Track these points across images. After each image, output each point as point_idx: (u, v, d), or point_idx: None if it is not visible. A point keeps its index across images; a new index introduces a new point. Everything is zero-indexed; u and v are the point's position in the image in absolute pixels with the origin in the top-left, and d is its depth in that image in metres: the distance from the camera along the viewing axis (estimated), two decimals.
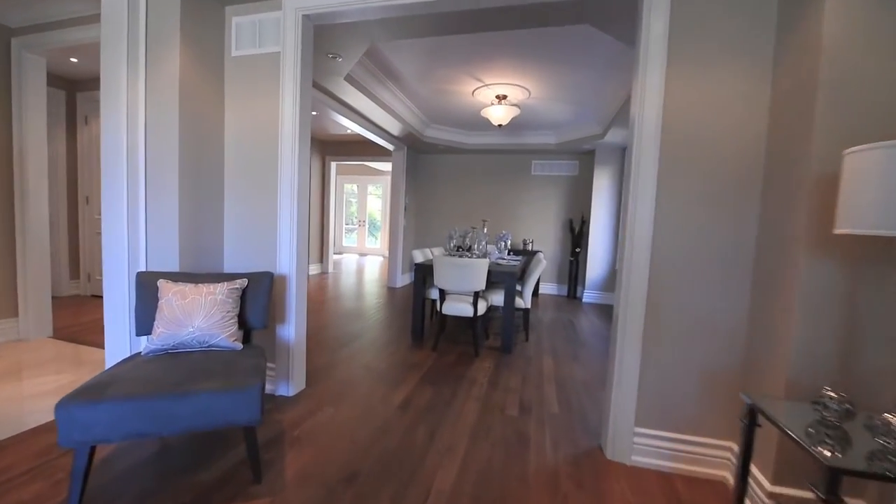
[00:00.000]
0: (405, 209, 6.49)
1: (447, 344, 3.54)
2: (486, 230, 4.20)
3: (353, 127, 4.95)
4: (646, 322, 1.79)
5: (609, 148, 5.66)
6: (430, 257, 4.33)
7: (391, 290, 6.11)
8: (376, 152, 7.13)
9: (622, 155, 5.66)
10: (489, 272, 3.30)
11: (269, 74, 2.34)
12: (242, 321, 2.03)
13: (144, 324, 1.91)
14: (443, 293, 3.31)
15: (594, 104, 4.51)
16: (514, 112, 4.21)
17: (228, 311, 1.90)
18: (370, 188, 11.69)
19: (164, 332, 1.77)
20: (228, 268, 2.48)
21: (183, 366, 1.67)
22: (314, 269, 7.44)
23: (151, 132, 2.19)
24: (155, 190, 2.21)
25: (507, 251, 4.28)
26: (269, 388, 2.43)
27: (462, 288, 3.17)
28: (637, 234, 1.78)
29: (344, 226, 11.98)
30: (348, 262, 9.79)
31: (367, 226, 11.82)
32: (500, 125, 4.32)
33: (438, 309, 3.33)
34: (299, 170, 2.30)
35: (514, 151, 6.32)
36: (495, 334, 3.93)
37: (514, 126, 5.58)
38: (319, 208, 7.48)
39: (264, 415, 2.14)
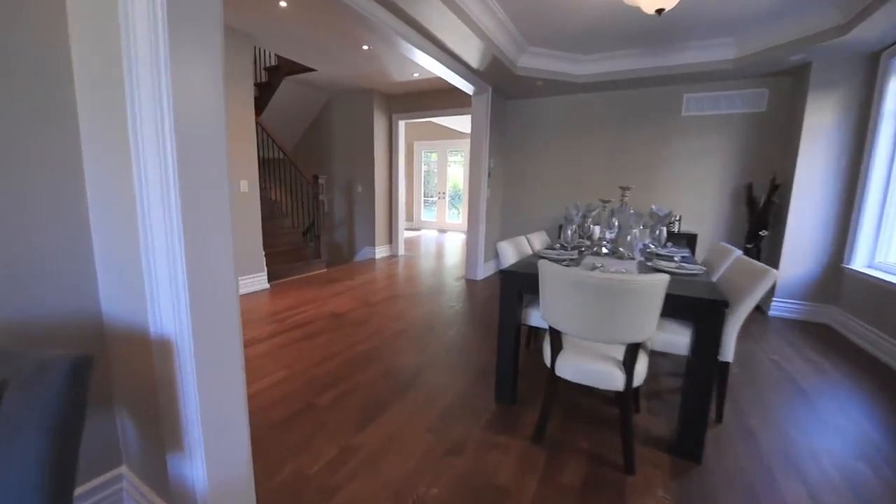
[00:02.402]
0: (488, 175, 4.83)
1: (562, 426, 1.92)
2: (629, 206, 2.38)
3: (418, 59, 3.39)
4: None
5: (846, 57, 3.25)
6: (528, 252, 2.67)
7: (470, 285, 4.62)
8: (452, 103, 5.51)
9: (873, 67, 3.20)
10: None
11: None
12: None
13: None
14: (557, 335, 1.67)
15: None
16: None
17: None
18: (450, 157, 10.15)
19: None
20: (109, 310, 1.17)
21: None
22: (381, 252, 6.27)
23: None
24: None
25: (664, 242, 2.41)
26: None
27: (604, 334, 1.49)
28: None
29: (423, 198, 10.74)
30: (426, 240, 8.53)
31: (447, 198, 10.40)
32: (659, 11, 2.37)
33: (548, 364, 1.70)
34: (172, 80, 0.82)
35: (654, 81, 4.17)
36: (653, 397, 2.19)
37: (662, 34, 3.48)
38: (386, 178, 6.20)
39: None
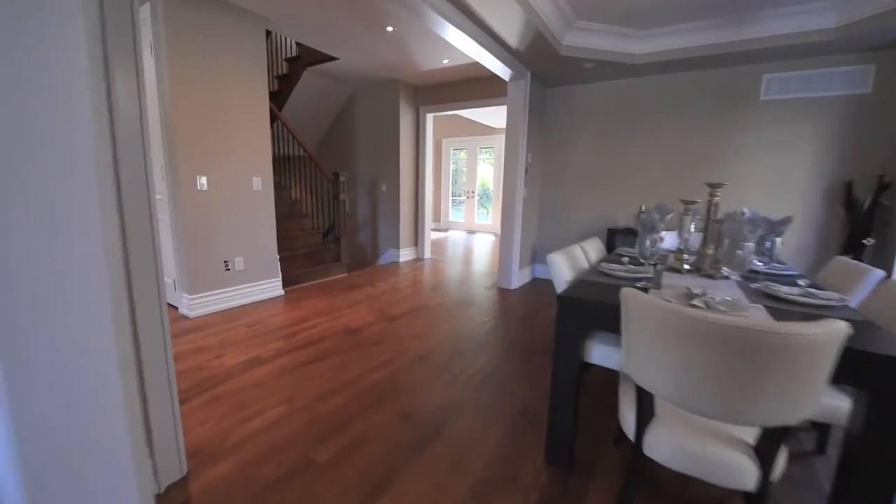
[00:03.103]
0: (525, 172, 4.31)
1: None
2: (720, 210, 1.82)
3: (449, 37, 2.93)
4: None
5: None
6: (585, 266, 2.15)
7: (504, 295, 4.11)
8: (485, 93, 5.02)
9: None
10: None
11: None
12: None
13: None
14: (648, 398, 1.15)
15: None
16: None
17: None
18: (480, 154, 9.63)
19: None
20: None
21: None
22: (406, 255, 5.86)
23: None
24: None
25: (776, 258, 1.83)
26: None
27: (736, 412, 0.97)
28: None
29: (450, 197, 10.29)
30: (453, 242, 8.07)
31: (476, 198, 9.89)
32: None
33: (631, 437, 1.20)
34: None
35: (727, 60, 3.52)
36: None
37: (740, 3, 2.86)
38: (412, 176, 5.78)
39: None
